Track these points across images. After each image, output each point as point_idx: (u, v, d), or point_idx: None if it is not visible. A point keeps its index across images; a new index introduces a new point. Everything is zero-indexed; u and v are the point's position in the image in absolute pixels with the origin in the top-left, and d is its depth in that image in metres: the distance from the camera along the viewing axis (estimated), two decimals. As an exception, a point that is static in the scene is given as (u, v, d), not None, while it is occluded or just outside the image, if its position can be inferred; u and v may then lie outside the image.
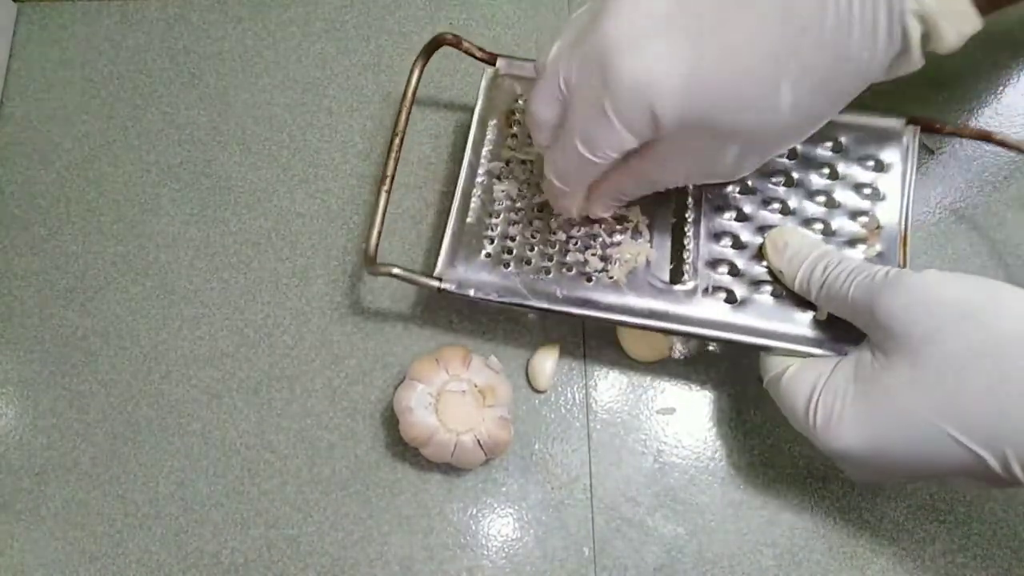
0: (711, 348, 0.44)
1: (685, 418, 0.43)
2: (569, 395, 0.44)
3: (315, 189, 0.48)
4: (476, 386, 0.40)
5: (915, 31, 0.28)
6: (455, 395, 0.40)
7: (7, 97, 0.51)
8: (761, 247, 0.39)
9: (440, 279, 0.39)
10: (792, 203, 0.40)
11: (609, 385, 0.44)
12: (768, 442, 0.43)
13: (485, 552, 0.42)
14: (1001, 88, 0.48)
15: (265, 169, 0.48)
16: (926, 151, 0.47)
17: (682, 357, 0.41)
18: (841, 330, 0.36)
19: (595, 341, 0.44)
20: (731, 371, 0.44)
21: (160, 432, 0.44)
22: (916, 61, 0.29)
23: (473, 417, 0.39)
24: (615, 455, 0.43)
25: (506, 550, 0.42)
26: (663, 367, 0.44)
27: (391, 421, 0.43)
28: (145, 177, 0.49)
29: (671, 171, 0.35)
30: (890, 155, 0.40)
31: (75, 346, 0.46)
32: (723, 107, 0.30)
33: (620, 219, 0.40)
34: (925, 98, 0.47)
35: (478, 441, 0.39)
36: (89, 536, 0.43)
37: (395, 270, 0.38)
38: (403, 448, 0.43)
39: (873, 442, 0.32)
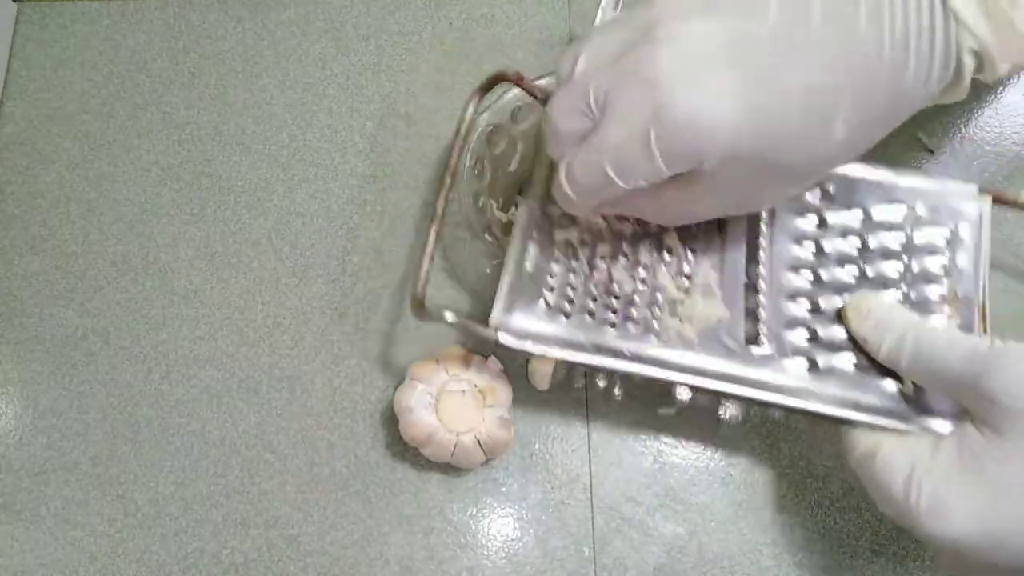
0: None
1: (685, 418, 0.43)
2: (569, 395, 0.44)
3: (315, 189, 0.48)
4: (476, 386, 0.40)
5: (969, 65, 0.28)
6: (455, 395, 0.40)
7: (7, 97, 0.51)
8: (840, 312, 0.37)
9: (497, 329, 0.36)
10: (868, 267, 0.38)
11: (609, 385, 0.44)
12: (768, 442, 0.43)
13: (485, 552, 0.42)
14: (1001, 88, 0.48)
15: (265, 169, 0.48)
16: (926, 151, 0.47)
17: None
18: (931, 401, 0.35)
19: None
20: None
21: (160, 432, 0.44)
22: (964, 92, 0.29)
23: (473, 417, 0.39)
24: (615, 455, 0.43)
25: (506, 550, 0.42)
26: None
27: (391, 421, 0.43)
28: (145, 177, 0.49)
29: (701, 204, 0.33)
30: (962, 224, 0.39)
31: (75, 346, 0.46)
32: (774, 146, 0.29)
33: (688, 276, 0.38)
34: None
35: (478, 441, 0.39)
36: (89, 536, 0.43)
37: (448, 316, 0.36)
38: (403, 448, 0.43)
39: (989, 529, 0.30)
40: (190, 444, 0.44)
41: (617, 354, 0.36)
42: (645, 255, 0.38)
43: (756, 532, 0.41)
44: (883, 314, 0.35)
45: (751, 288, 0.38)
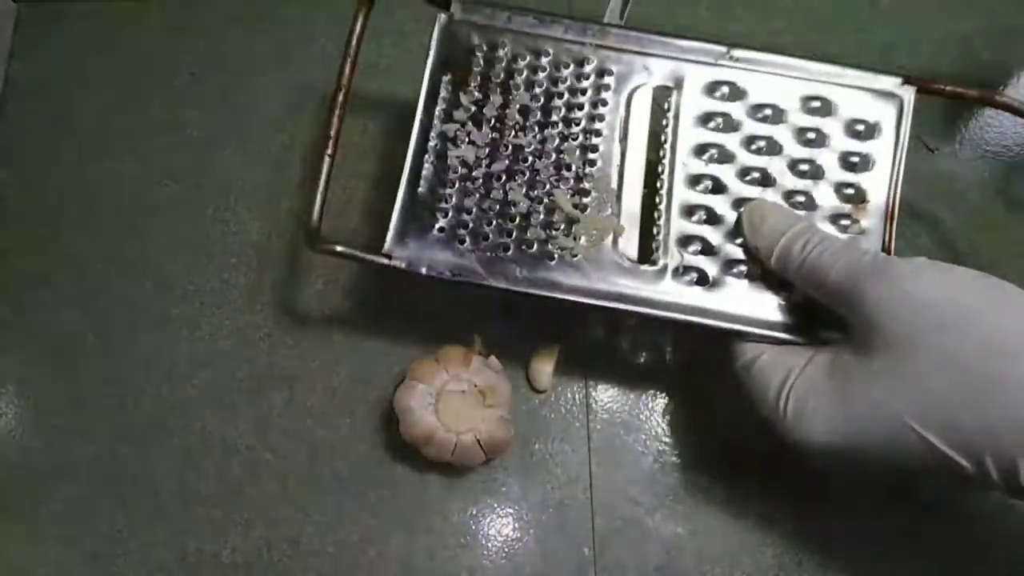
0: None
1: (685, 418, 0.43)
2: (569, 395, 0.44)
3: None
4: (476, 386, 0.40)
5: None
6: (455, 395, 0.40)
7: (7, 97, 0.51)
8: (738, 223, 0.36)
9: (389, 256, 0.36)
10: (773, 171, 0.37)
11: (609, 385, 0.44)
12: (769, 442, 0.43)
13: (485, 552, 0.42)
14: (1001, 87, 0.48)
15: (265, 169, 0.48)
16: (926, 150, 0.47)
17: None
18: (819, 317, 0.34)
19: (596, 340, 0.44)
20: (732, 370, 0.44)
21: (160, 432, 0.44)
22: None
23: (473, 417, 0.39)
24: (615, 455, 0.43)
25: (506, 550, 0.42)
26: (663, 367, 0.44)
27: (391, 421, 0.43)
28: (145, 177, 0.49)
29: None
30: (883, 118, 0.37)
31: (75, 346, 0.46)
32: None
33: (584, 193, 0.37)
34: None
35: (478, 441, 0.39)
36: (89, 536, 0.43)
37: (339, 248, 0.36)
38: (403, 448, 0.43)
39: (845, 438, 0.31)
40: (190, 444, 0.44)
41: (509, 277, 0.36)
42: (543, 173, 0.37)
43: (756, 532, 0.41)
44: (775, 222, 0.35)
45: (649, 201, 0.37)
